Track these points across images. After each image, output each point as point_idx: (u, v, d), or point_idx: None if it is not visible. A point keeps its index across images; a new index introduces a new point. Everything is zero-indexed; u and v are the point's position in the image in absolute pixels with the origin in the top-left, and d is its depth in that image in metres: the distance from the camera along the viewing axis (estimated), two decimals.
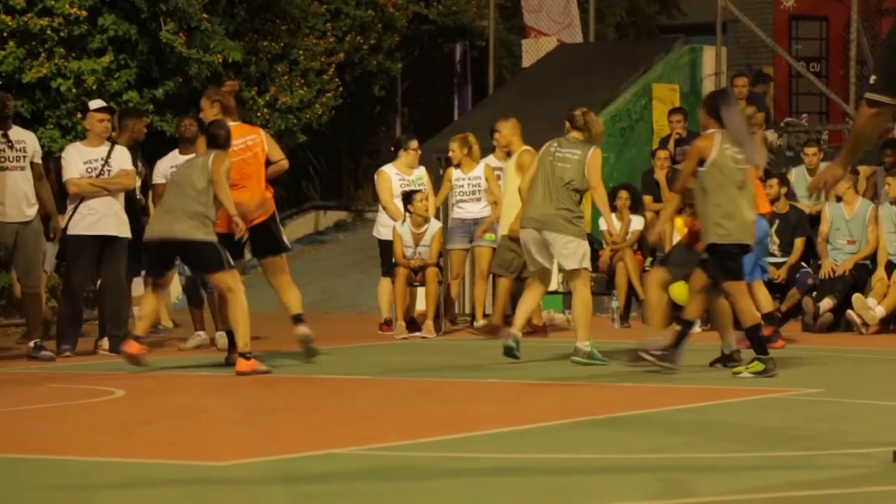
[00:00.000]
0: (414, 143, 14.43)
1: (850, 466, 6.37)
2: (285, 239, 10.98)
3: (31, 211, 11.75)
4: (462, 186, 14.31)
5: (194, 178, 10.26)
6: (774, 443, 7.04)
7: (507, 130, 13.78)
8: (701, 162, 9.84)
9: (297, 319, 10.89)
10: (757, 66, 18.79)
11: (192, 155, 11.52)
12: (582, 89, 17.08)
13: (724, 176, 9.78)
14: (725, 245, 9.78)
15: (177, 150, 12.77)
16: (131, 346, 10.42)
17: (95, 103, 12.35)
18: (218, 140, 10.41)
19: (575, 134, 11.11)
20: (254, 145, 10.82)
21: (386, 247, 14.26)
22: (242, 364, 10.07)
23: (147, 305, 10.58)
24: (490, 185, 14.26)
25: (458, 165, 14.30)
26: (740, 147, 9.79)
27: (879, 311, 13.80)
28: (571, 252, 10.74)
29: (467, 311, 15.29)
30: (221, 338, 12.36)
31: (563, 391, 9.40)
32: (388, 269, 14.16)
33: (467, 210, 14.26)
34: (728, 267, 9.83)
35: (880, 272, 14.11)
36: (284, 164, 11.07)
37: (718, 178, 9.79)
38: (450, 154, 14.44)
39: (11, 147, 11.71)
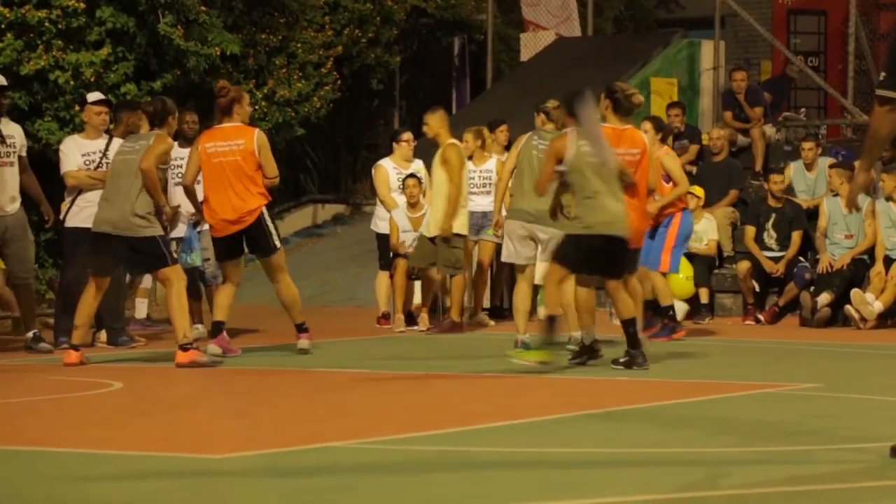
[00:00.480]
0: (407, 136, 14.42)
1: (848, 462, 6.37)
2: (275, 240, 10.88)
3: (15, 204, 11.75)
4: (473, 179, 14.25)
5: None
6: (772, 438, 7.04)
7: (435, 122, 13.30)
8: (560, 161, 9.84)
9: (299, 329, 10.96)
10: (755, 60, 18.79)
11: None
12: (580, 83, 17.01)
13: (585, 172, 9.79)
14: (587, 237, 9.72)
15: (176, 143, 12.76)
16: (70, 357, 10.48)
17: (94, 96, 12.34)
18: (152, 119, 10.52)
19: (550, 126, 11.18)
20: (237, 150, 10.76)
21: (384, 240, 14.26)
22: (181, 356, 10.19)
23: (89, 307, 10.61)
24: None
25: (470, 157, 14.25)
26: (592, 146, 9.78)
27: (877, 306, 13.81)
28: None
29: (493, 302, 15.20)
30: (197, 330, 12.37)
31: (560, 385, 9.40)
32: (386, 262, 14.16)
33: (477, 203, 14.22)
34: (568, 256, 9.79)
35: (878, 267, 14.11)
36: (275, 181, 11.00)
37: (580, 175, 9.80)
38: (463, 145, 14.39)
39: (3, 142, 11.70)
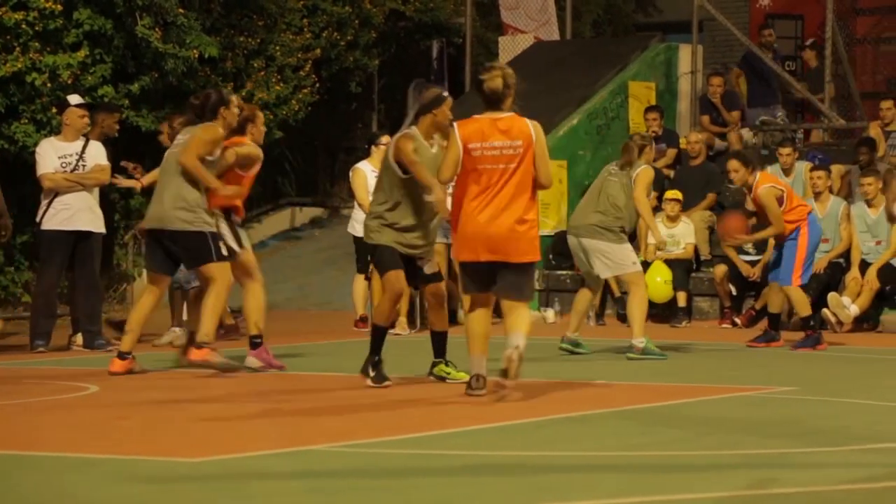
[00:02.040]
0: (385, 139, 14.42)
1: (824, 464, 6.39)
2: (223, 247, 10.22)
3: None
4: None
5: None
6: (749, 441, 7.05)
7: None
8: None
9: (252, 343, 10.40)
10: (732, 64, 18.83)
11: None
12: (559, 87, 17.08)
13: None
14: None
15: None
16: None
17: (75, 98, 12.31)
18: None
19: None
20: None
21: (361, 244, 14.24)
22: (194, 352, 9.99)
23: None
24: None
25: None
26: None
27: (854, 309, 13.86)
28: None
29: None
30: (169, 334, 12.34)
31: (540, 388, 9.40)
32: (364, 265, 14.15)
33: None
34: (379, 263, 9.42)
35: (854, 271, 14.17)
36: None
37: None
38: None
39: None
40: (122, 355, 10.07)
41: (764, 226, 12.17)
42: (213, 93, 10.33)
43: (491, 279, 8.63)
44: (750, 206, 12.29)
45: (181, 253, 9.98)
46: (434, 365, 9.66)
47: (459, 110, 17.37)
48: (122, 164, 12.60)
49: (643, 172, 11.64)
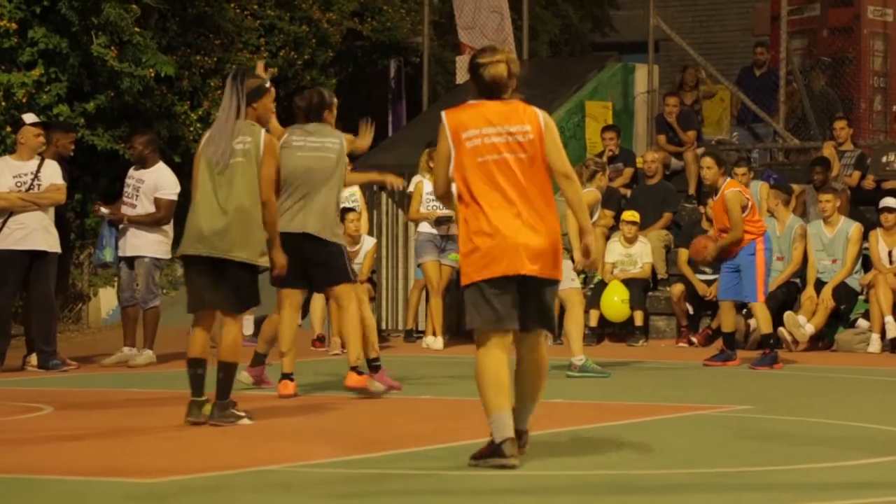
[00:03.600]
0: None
1: (780, 485, 6.41)
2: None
3: None
4: (434, 199, 14.27)
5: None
6: (705, 460, 7.07)
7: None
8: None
9: (371, 367, 10.17)
10: (688, 84, 18.91)
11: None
12: None
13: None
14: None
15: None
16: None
17: (30, 117, 12.23)
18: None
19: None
20: None
21: None
22: (353, 378, 9.69)
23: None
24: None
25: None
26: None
27: (809, 328, 13.93)
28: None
29: (421, 327, 15.14)
30: (139, 356, 12.24)
31: None
32: None
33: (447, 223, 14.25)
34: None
35: (809, 290, 14.25)
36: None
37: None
38: (422, 164, 14.36)
39: None
40: (288, 377, 9.84)
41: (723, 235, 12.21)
42: (315, 94, 10.06)
43: (510, 306, 6.81)
44: (709, 210, 12.30)
45: (322, 267, 9.61)
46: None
47: (418, 128, 17.43)
48: (100, 208, 12.61)
49: (586, 195, 11.57)
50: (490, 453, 6.66)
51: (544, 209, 6.83)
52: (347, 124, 21.72)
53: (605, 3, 24.37)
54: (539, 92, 17.70)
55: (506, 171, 6.82)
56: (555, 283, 6.88)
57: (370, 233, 14.82)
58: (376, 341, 10.12)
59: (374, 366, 9.98)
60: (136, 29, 15.80)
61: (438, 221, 14.38)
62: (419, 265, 14.45)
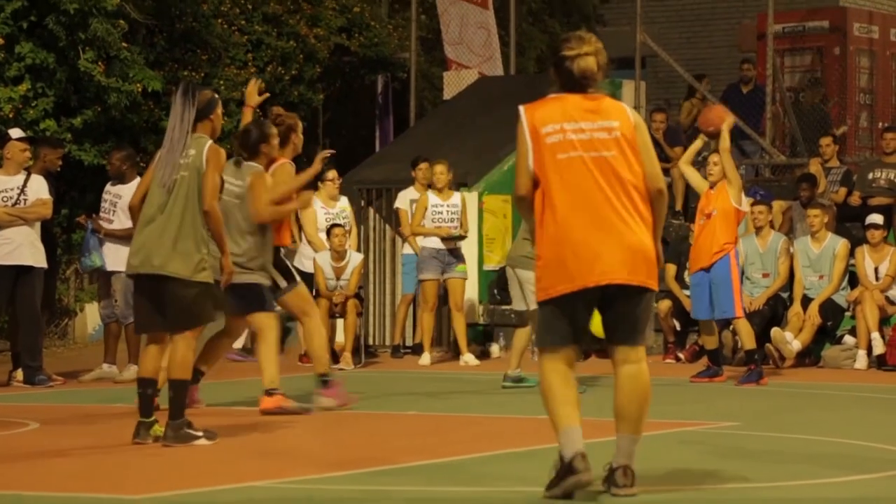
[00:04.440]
0: (332, 174, 14.42)
1: (768, 500, 6.41)
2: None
3: None
4: (441, 213, 14.27)
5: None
6: (690, 477, 7.07)
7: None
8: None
9: (322, 382, 10.05)
10: (675, 100, 18.96)
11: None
12: (503, 122, 17.09)
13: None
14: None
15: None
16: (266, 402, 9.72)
17: (16, 132, 12.22)
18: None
19: None
20: None
21: (307, 279, 14.20)
22: (266, 401, 9.61)
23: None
24: (464, 215, 14.27)
25: (440, 190, 14.27)
26: None
27: (796, 345, 13.95)
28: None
29: (416, 340, 15.07)
30: (126, 371, 12.20)
31: (484, 423, 9.40)
32: None
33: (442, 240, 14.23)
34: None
35: (796, 307, 14.26)
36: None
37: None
38: (435, 178, 14.35)
39: None
40: (326, 379, 9.79)
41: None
42: (254, 129, 9.92)
43: (586, 321, 6.31)
44: (706, 207, 12.31)
45: (242, 299, 9.55)
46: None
47: (405, 144, 17.44)
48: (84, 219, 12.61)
49: None
50: (562, 475, 6.14)
51: (632, 212, 6.20)
52: (335, 140, 21.81)
53: (591, 19, 24.42)
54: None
55: (588, 171, 6.19)
56: (644, 290, 6.23)
57: (358, 249, 14.81)
58: (325, 356, 9.97)
59: (323, 381, 9.90)
60: (124, 44, 15.79)
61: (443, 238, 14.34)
62: (420, 281, 14.39)
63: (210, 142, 8.28)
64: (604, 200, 6.18)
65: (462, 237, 14.30)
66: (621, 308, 6.23)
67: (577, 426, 6.22)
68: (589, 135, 6.26)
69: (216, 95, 8.50)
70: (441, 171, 14.26)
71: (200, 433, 8.16)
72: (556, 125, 6.24)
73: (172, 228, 8.11)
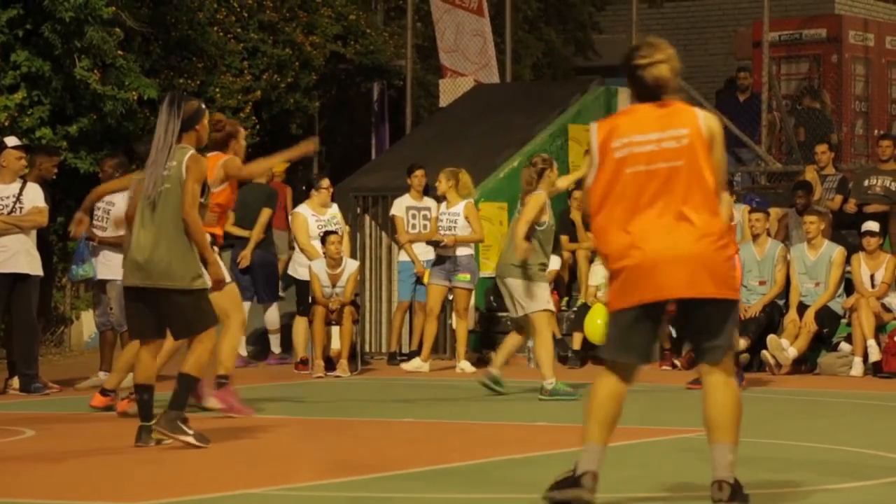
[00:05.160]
0: (325, 182, 14.43)
1: None
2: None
3: None
4: (442, 222, 14.26)
5: None
6: (685, 484, 7.07)
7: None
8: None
9: (217, 383, 10.00)
10: None
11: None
12: (499, 129, 17.14)
13: None
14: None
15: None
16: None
17: (12, 140, 12.21)
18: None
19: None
20: None
21: (302, 286, 14.20)
22: (97, 399, 10.01)
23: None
24: (472, 223, 14.18)
25: (443, 199, 14.28)
26: None
27: (792, 352, 13.95)
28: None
29: (412, 347, 15.06)
30: (99, 378, 12.19)
31: (482, 430, 9.39)
32: (305, 308, 14.10)
33: (444, 247, 14.22)
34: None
35: (792, 314, 14.27)
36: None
37: None
38: (437, 185, 14.36)
39: None
40: (223, 382, 9.78)
41: None
42: (227, 125, 9.95)
43: (654, 336, 6.26)
44: None
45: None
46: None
47: (401, 151, 17.44)
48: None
49: (532, 199, 11.14)
50: (568, 483, 6.14)
51: (697, 224, 6.00)
52: (331, 147, 21.82)
53: (587, 27, 24.45)
54: (522, 115, 17.75)
55: (656, 183, 6.04)
56: (719, 302, 6.08)
57: (353, 255, 14.81)
58: (226, 360, 9.83)
59: (220, 382, 9.86)
60: (119, 52, 15.78)
61: (435, 243, 14.31)
62: (427, 284, 14.40)
63: (191, 151, 8.29)
64: (668, 213, 6.03)
65: (443, 244, 14.19)
66: (697, 320, 6.14)
67: (600, 445, 6.19)
68: (657, 145, 6.09)
69: (203, 106, 8.52)
70: (441, 179, 14.25)
71: (192, 432, 8.15)
72: (625, 139, 6.12)
73: (164, 240, 8.15)
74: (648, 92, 6.19)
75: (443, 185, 14.25)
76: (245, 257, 14.53)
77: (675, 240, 6.00)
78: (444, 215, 14.27)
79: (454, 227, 14.23)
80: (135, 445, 8.15)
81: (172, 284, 8.13)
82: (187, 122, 8.29)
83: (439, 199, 14.56)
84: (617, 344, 6.18)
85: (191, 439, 8.11)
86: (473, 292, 14.66)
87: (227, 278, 9.41)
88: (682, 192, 6.03)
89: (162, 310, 8.20)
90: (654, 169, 6.05)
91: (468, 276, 14.29)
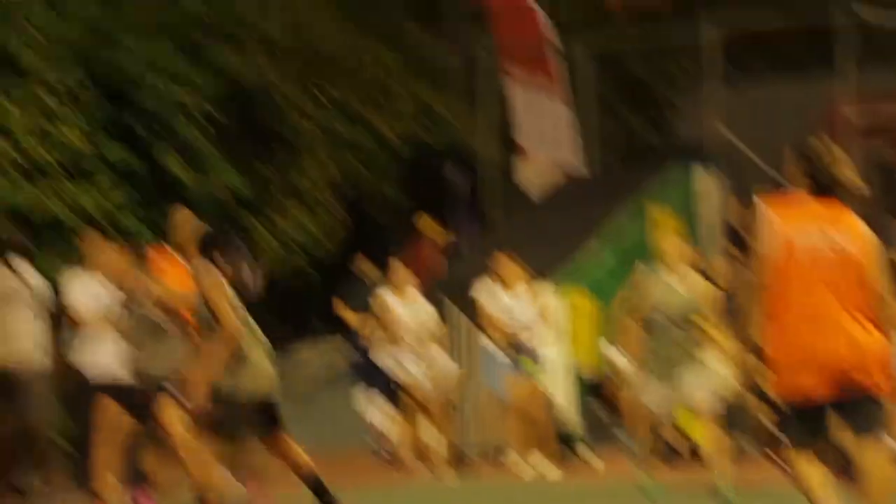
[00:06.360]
0: (397, 265, 14.62)
1: None
2: None
3: None
4: (512, 310, 14.31)
5: None
6: None
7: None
8: None
9: None
10: (746, 186, 18.90)
11: None
12: (587, 221, 17.10)
13: None
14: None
15: None
16: None
17: None
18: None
19: None
20: None
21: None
22: None
23: None
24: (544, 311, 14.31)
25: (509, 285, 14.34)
26: None
27: None
28: None
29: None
30: None
31: None
32: None
33: None
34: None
35: None
36: None
37: None
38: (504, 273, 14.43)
39: None
40: None
41: None
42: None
43: (816, 424, 6.35)
44: None
45: None
46: None
47: (486, 238, 17.28)
48: None
49: None
50: None
51: (858, 324, 6.19)
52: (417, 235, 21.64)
53: (664, 107, 24.39)
54: (600, 197, 17.74)
55: (822, 281, 6.22)
56: (868, 398, 6.26)
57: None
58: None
59: None
60: (207, 143, 16.00)
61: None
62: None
63: None
64: (833, 312, 6.22)
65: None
66: (847, 410, 6.30)
67: None
68: (829, 244, 6.25)
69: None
70: (510, 267, 14.33)
71: None
72: (803, 234, 6.26)
73: None
74: (824, 188, 6.36)
75: (517, 272, 14.26)
76: None
77: (823, 340, 6.30)
78: (513, 304, 14.33)
79: (527, 317, 14.28)
80: None
81: None
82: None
83: None
84: (787, 427, 6.44)
85: None
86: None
87: None
88: (840, 293, 6.32)
89: None
90: (822, 267, 6.32)
91: (529, 361, 14.29)
